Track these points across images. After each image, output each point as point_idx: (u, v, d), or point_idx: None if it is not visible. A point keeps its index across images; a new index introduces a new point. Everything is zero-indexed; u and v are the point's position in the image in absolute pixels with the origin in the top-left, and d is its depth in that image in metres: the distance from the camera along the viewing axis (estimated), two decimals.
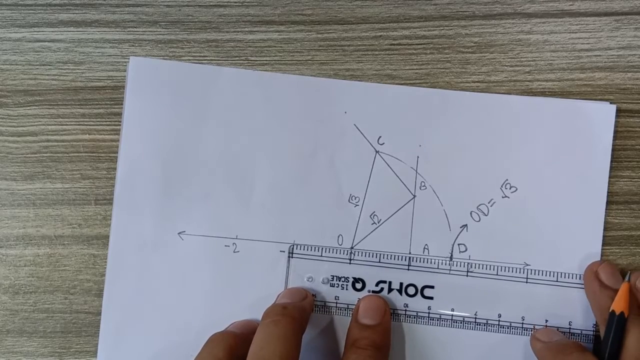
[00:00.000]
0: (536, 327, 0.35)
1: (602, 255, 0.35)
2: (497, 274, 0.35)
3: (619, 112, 0.35)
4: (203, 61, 0.37)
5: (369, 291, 0.36)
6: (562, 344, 0.33)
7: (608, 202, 0.35)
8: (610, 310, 0.32)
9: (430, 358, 0.35)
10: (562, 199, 0.35)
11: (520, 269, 0.35)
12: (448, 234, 0.36)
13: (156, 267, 0.36)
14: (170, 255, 0.36)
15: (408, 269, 0.36)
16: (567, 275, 0.35)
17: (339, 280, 0.36)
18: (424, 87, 0.36)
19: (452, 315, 0.35)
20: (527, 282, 0.35)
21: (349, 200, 0.36)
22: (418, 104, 0.36)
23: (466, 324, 0.35)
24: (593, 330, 0.35)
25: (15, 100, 0.37)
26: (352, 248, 0.36)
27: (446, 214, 0.36)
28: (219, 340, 0.32)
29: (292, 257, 0.36)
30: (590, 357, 0.31)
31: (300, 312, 0.33)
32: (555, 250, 0.35)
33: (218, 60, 0.37)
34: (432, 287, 0.36)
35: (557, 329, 0.35)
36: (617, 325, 0.31)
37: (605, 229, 0.35)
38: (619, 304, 0.32)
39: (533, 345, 0.34)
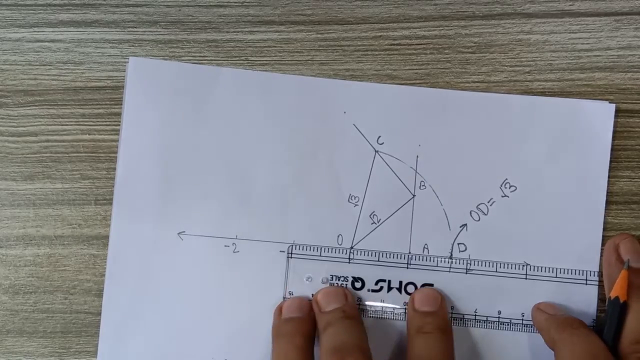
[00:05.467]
0: None
1: (601, 256, 0.35)
2: (496, 271, 0.35)
3: (618, 112, 0.36)
4: (203, 61, 0.37)
5: (368, 290, 0.36)
6: (570, 318, 0.33)
7: (608, 202, 0.35)
8: (608, 296, 0.33)
9: None
10: (562, 198, 0.35)
11: (520, 266, 0.35)
12: (448, 234, 0.36)
13: (156, 267, 0.36)
14: (170, 255, 0.36)
15: (407, 267, 0.36)
16: (566, 271, 0.35)
17: (339, 280, 0.36)
18: (424, 87, 0.36)
19: (451, 313, 0.35)
20: (526, 278, 0.35)
21: (348, 200, 0.36)
22: (418, 104, 0.36)
23: (466, 322, 0.35)
24: (592, 327, 0.35)
25: (15, 100, 0.37)
26: (351, 248, 0.36)
27: (446, 214, 0.36)
28: (294, 330, 0.33)
29: (291, 257, 0.36)
30: (595, 336, 0.31)
31: (355, 309, 0.35)
32: (555, 250, 0.35)
33: (218, 60, 0.37)
34: (432, 285, 0.36)
35: None
36: (613, 310, 0.32)
37: (605, 229, 0.35)
38: (616, 290, 0.32)
39: (536, 317, 0.34)
